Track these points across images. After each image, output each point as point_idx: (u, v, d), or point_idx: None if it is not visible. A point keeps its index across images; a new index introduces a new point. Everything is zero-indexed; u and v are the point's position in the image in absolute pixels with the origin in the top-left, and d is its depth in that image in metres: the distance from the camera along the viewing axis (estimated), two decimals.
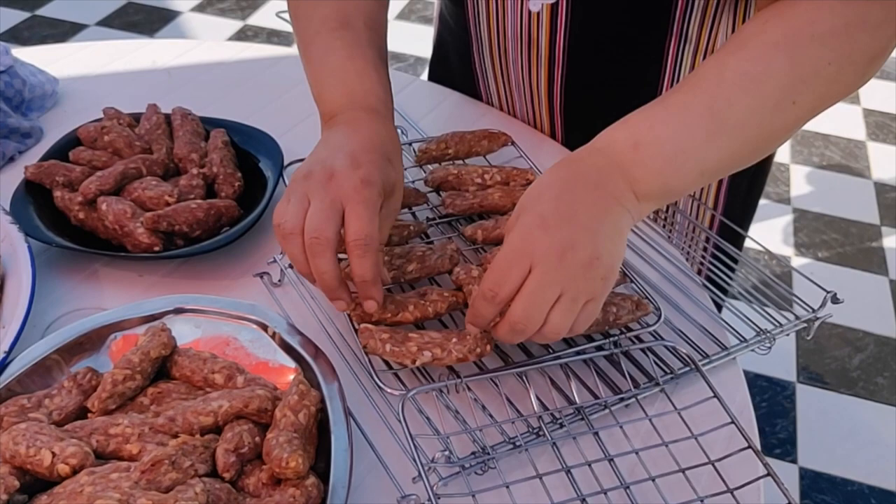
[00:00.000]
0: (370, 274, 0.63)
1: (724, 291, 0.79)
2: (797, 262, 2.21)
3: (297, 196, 0.64)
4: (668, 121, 0.61)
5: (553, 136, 0.99)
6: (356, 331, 0.68)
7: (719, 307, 0.79)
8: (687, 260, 0.83)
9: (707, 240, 0.85)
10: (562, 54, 0.86)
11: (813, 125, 2.71)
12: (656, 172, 0.61)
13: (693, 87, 0.62)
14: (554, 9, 0.82)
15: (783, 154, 2.59)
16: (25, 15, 3.01)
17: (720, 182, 0.97)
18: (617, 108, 0.83)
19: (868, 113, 2.80)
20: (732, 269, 0.79)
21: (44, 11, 3.05)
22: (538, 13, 0.83)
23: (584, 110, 0.92)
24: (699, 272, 0.82)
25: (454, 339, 0.65)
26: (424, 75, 1.16)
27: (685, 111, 0.61)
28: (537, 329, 0.60)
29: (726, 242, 0.82)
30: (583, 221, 0.59)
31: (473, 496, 0.58)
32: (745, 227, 1.05)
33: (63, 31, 2.94)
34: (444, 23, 1.05)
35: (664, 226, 0.88)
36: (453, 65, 1.05)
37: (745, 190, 1.00)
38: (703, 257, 0.83)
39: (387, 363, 0.68)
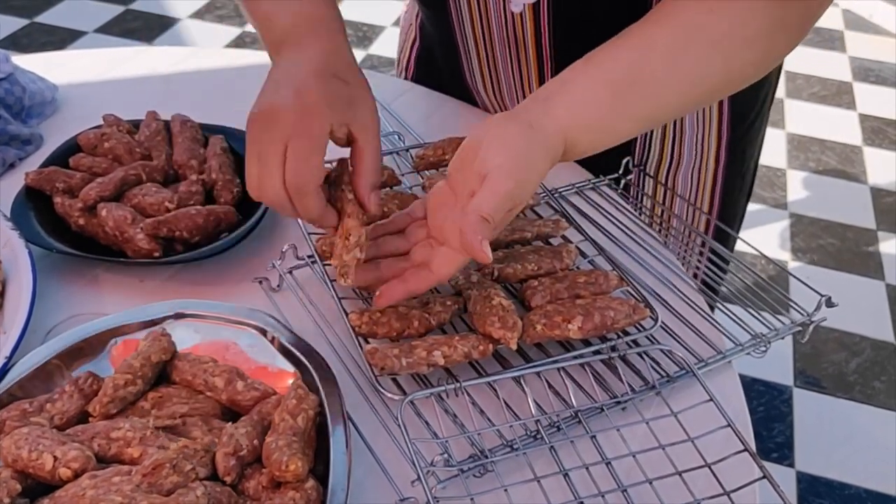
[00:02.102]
0: (315, 212, 0.63)
1: (714, 290, 0.79)
2: (793, 266, 2.22)
3: (253, 153, 0.63)
4: (614, 109, 0.64)
5: None
6: (356, 335, 0.68)
7: (711, 307, 0.79)
8: (683, 265, 0.83)
9: (703, 244, 0.85)
10: (549, 51, 0.87)
11: (809, 130, 2.73)
12: (562, 123, 0.63)
13: (638, 86, 0.63)
14: (536, 8, 0.83)
15: (780, 159, 2.60)
16: (24, 22, 3.02)
17: (714, 185, 0.97)
18: None
19: (864, 118, 2.82)
20: (726, 272, 0.80)
21: (42, 18, 3.05)
22: (521, 13, 0.84)
23: None
24: (695, 276, 0.83)
25: (457, 338, 0.66)
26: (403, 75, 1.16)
27: (634, 102, 0.64)
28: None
29: (721, 246, 0.83)
30: (506, 174, 0.60)
31: (472, 499, 0.58)
32: (736, 228, 1.06)
33: (61, 38, 2.95)
34: (427, 34, 1.05)
35: (660, 230, 0.89)
36: (439, 75, 1.05)
37: (738, 191, 1.01)
38: (699, 261, 0.83)
39: None
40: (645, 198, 0.95)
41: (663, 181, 0.97)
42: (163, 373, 0.65)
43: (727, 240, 0.93)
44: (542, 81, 0.90)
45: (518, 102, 0.96)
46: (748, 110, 0.94)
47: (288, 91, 0.62)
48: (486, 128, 0.62)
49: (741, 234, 1.05)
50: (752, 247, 0.86)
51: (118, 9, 3.14)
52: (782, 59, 0.69)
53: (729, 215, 1.01)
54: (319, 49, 0.66)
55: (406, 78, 1.13)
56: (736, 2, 0.62)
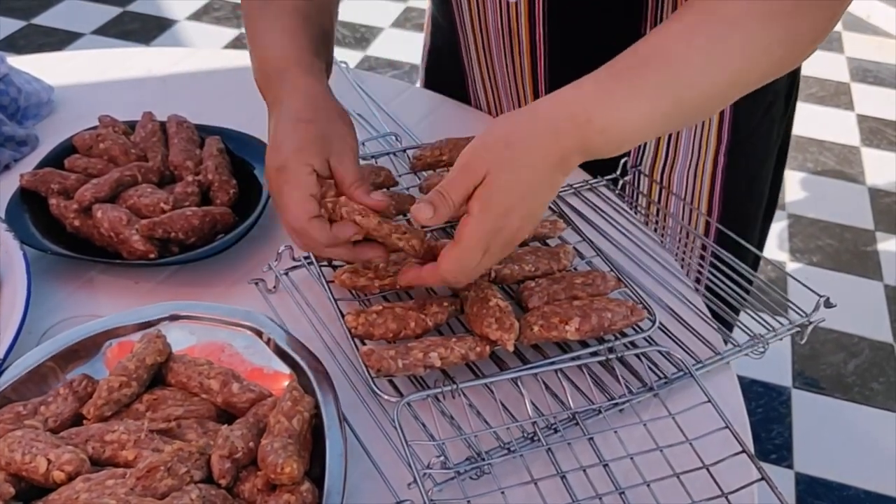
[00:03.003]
0: (322, 239, 0.67)
1: (719, 297, 0.79)
2: (792, 267, 2.22)
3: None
4: (633, 102, 0.62)
5: None
6: (352, 337, 0.68)
7: (715, 314, 0.79)
8: (682, 267, 0.83)
9: (704, 247, 0.85)
10: (542, 43, 0.87)
11: (807, 131, 2.73)
12: (615, 149, 0.64)
13: (661, 64, 0.63)
14: None
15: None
16: (21, 23, 3.02)
17: (713, 188, 0.97)
18: None
19: (862, 119, 2.82)
20: (729, 277, 0.79)
21: (39, 20, 3.05)
22: (516, 3, 0.84)
23: None
24: (698, 281, 0.83)
25: (454, 339, 0.66)
26: (419, 83, 1.17)
27: (653, 93, 0.62)
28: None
29: (722, 249, 0.82)
30: (536, 204, 0.64)
31: (468, 501, 0.58)
32: (756, 237, 1.05)
33: (59, 39, 2.95)
34: (437, 25, 1.05)
35: (656, 230, 0.89)
36: (446, 68, 1.06)
37: (742, 195, 1.00)
38: (701, 265, 0.83)
39: None
40: (642, 198, 0.95)
41: (658, 179, 0.96)
42: (158, 375, 0.65)
43: (734, 245, 0.92)
44: (534, 73, 0.90)
45: (512, 98, 0.96)
46: (750, 115, 0.94)
47: (269, 154, 0.69)
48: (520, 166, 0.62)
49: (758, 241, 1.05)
50: (750, 247, 0.85)
51: (116, 10, 3.14)
52: (811, 45, 0.66)
53: (736, 221, 1.00)
54: (287, 97, 0.71)
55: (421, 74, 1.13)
56: None
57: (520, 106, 0.95)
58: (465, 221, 0.62)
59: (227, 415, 0.63)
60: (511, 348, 0.66)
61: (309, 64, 0.74)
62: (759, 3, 0.61)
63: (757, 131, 0.96)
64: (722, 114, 0.91)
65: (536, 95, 0.93)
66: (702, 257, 0.84)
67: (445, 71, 1.06)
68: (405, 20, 3.21)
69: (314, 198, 0.67)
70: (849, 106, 2.88)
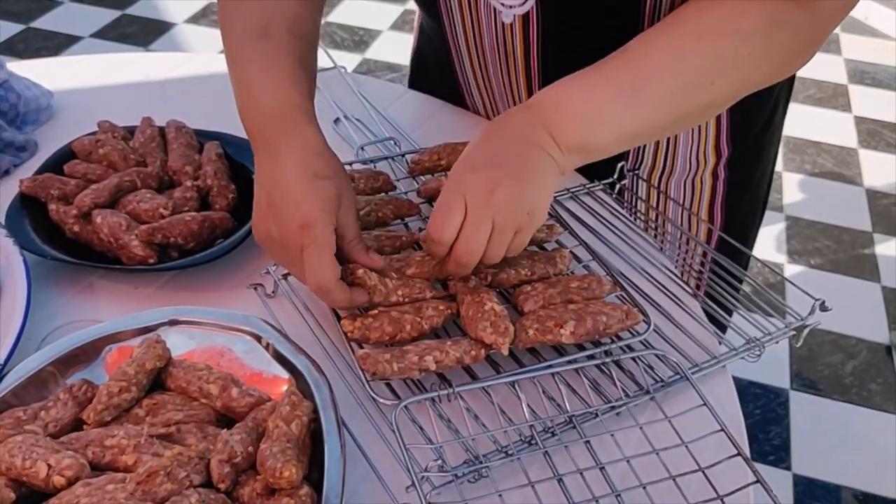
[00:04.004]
0: (344, 301, 0.68)
1: (716, 301, 0.79)
2: (790, 269, 2.22)
3: (285, 264, 0.72)
4: (590, 86, 0.68)
5: None
6: (349, 341, 0.69)
7: (711, 317, 0.79)
8: (682, 273, 0.83)
9: (704, 255, 0.85)
10: (536, 64, 0.87)
11: (805, 133, 2.73)
12: (575, 129, 0.68)
13: (620, 59, 0.68)
14: (526, 19, 0.83)
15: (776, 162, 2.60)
16: (20, 27, 3.02)
17: (713, 199, 0.97)
18: None
19: (860, 120, 2.82)
20: (730, 284, 0.80)
21: (38, 24, 3.06)
22: (511, 24, 0.84)
23: None
24: (698, 287, 0.83)
25: (449, 343, 0.66)
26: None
27: (608, 80, 0.68)
28: (478, 260, 0.68)
29: (721, 255, 0.83)
30: (508, 163, 0.66)
31: None
32: (751, 241, 1.06)
33: (57, 43, 2.95)
34: (425, 34, 1.05)
35: (655, 236, 0.89)
36: (433, 74, 1.06)
37: (746, 207, 1.00)
38: (702, 272, 0.83)
39: None
40: (639, 202, 0.95)
41: (656, 185, 0.97)
42: (157, 380, 0.65)
43: (734, 251, 0.93)
44: (529, 90, 0.91)
45: (509, 105, 0.96)
46: (750, 126, 0.94)
47: (286, 206, 0.68)
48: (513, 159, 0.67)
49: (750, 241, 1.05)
50: (747, 251, 0.86)
51: (114, 14, 3.14)
52: (791, 59, 0.70)
53: (737, 227, 1.00)
54: (298, 147, 0.70)
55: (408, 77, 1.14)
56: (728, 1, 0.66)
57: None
58: None
59: (226, 419, 0.63)
60: (506, 352, 0.67)
61: (309, 111, 0.74)
62: (731, 20, 0.66)
63: (758, 141, 0.97)
64: (718, 127, 0.92)
65: None
66: (702, 264, 0.85)
67: (432, 74, 1.06)
68: (403, 23, 3.22)
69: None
70: (846, 108, 2.89)
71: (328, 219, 0.67)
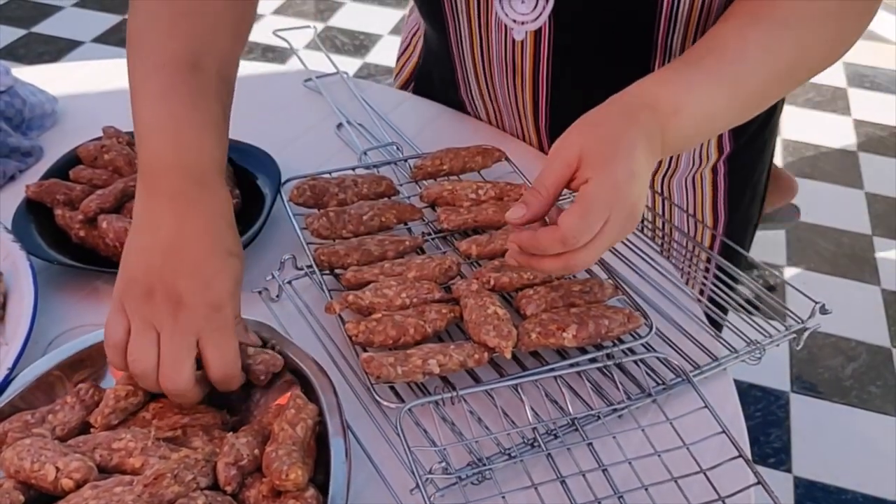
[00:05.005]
0: (196, 398, 0.63)
1: (719, 306, 0.80)
2: (790, 272, 2.23)
3: (142, 324, 0.61)
4: (702, 86, 0.67)
5: (545, 151, 1.00)
6: (353, 344, 0.69)
7: (712, 320, 0.80)
8: (683, 276, 0.84)
9: (708, 259, 0.86)
10: (544, 81, 0.88)
11: (804, 136, 2.74)
12: (687, 137, 0.69)
13: (720, 55, 0.68)
14: (537, 37, 0.84)
15: (775, 164, 2.61)
16: (21, 32, 3.03)
17: (715, 197, 0.98)
18: None
19: (859, 124, 2.83)
20: (731, 287, 0.80)
21: (39, 29, 3.06)
22: (522, 41, 0.84)
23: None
24: (701, 292, 0.83)
25: (452, 346, 0.67)
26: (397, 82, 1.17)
27: (717, 79, 0.68)
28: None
29: (723, 259, 0.83)
30: (643, 180, 0.63)
31: None
32: (749, 238, 1.06)
33: (59, 47, 2.96)
34: (428, 45, 1.06)
35: (661, 243, 0.90)
36: (436, 86, 1.06)
37: (747, 202, 1.01)
38: (706, 277, 0.84)
39: None
40: (647, 211, 0.96)
41: (659, 190, 0.97)
42: None
43: (733, 254, 0.93)
44: (535, 105, 0.91)
45: (514, 118, 0.96)
46: (751, 121, 0.95)
47: (190, 279, 0.61)
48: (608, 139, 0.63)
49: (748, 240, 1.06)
50: (746, 254, 0.86)
51: (115, 18, 3.15)
52: (852, 41, 0.73)
53: (739, 228, 1.01)
54: (213, 214, 0.65)
55: (403, 88, 1.14)
56: None
57: (521, 119, 0.96)
58: (586, 185, 0.61)
59: (231, 425, 0.64)
60: (508, 355, 0.67)
61: (224, 173, 0.69)
62: (809, 4, 0.68)
63: (758, 137, 0.97)
64: None
65: (536, 121, 0.95)
66: (706, 269, 0.85)
67: (434, 85, 1.07)
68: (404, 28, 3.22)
69: None
70: (846, 111, 2.90)
71: (235, 303, 0.63)
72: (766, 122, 0.97)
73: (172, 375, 0.60)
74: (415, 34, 1.11)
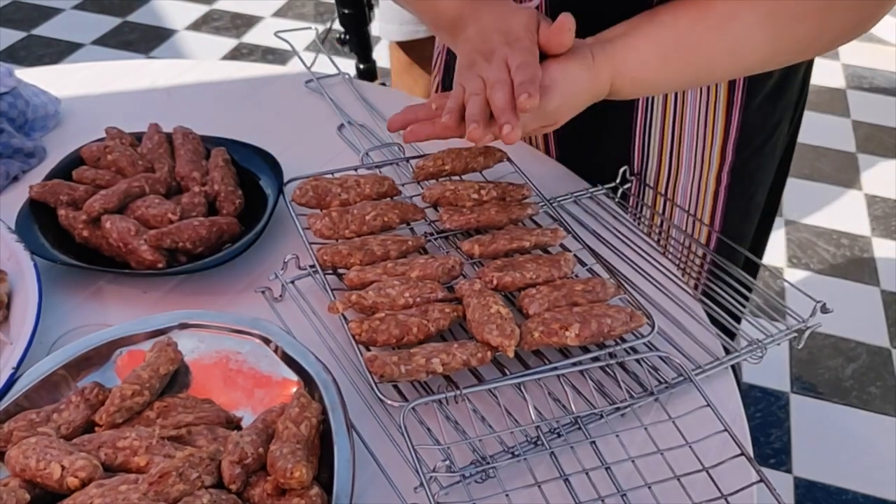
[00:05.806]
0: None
1: (719, 304, 0.80)
2: (789, 273, 2.23)
3: (470, 80, 0.73)
4: (660, 71, 0.76)
5: (547, 151, 1.00)
6: (356, 343, 0.69)
7: (714, 320, 0.80)
8: (683, 275, 0.84)
9: (704, 256, 0.86)
10: None
11: (803, 137, 2.73)
12: (632, 94, 0.80)
13: (691, 49, 0.75)
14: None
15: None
16: (22, 34, 3.04)
17: (715, 204, 0.98)
18: (603, 125, 0.86)
19: (858, 125, 2.83)
20: (732, 287, 0.81)
21: (40, 31, 3.07)
22: None
23: (572, 132, 0.93)
24: (695, 287, 0.84)
25: (455, 345, 0.67)
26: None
27: (679, 67, 0.76)
28: None
29: (723, 258, 0.83)
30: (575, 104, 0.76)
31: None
32: (748, 245, 1.06)
33: (59, 50, 2.96)
34: (448, 70, 1.07)
35: (658, 241, 0.90)
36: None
37: (742, 210, 1.01)
38: (705, 277, 0.84)
39: None
40: (644, 207, 0.96)
41: (663, 192, 0.98)
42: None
43: (733, 254, 0.93)
44: None
45: None
46: (756, 135, 0.95)
47: (497, 38, 0.75)
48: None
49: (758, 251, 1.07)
50: (747, 254, 0.87)
51: (115, 21, 3.16)
52: (839, 40, 0.75)
53: (734, 231, 1.01)
54: (498, 12, 0.77)
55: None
56: None
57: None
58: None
59: (234, 424, 0.64)
60: (511, 354, 0.67)
61: None
62: (791, 2, 0.71)
63: (763, 149, 0.97)
64: (727, 131, 0.92)
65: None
66: (701, 265, 0.86)
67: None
68: None
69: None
70: (845, 112, 2.90)
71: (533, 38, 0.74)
72: (771, 136, 0.97)
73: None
74: (440, 53, 1.12)
